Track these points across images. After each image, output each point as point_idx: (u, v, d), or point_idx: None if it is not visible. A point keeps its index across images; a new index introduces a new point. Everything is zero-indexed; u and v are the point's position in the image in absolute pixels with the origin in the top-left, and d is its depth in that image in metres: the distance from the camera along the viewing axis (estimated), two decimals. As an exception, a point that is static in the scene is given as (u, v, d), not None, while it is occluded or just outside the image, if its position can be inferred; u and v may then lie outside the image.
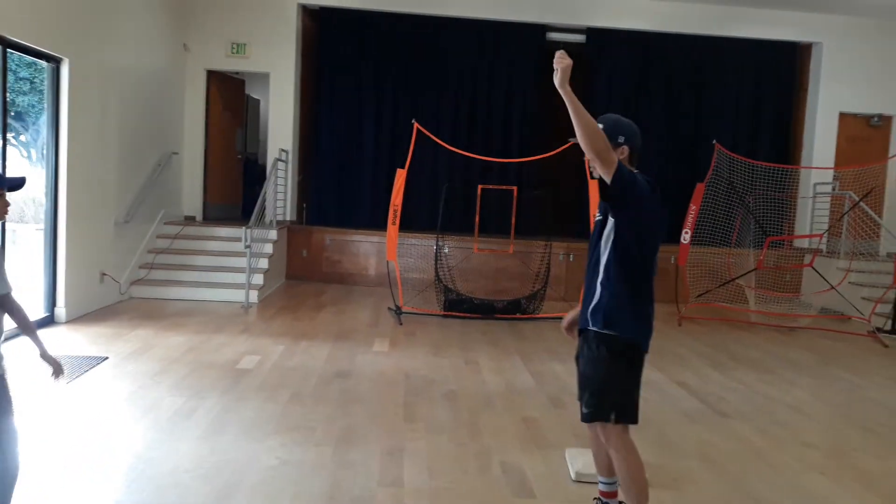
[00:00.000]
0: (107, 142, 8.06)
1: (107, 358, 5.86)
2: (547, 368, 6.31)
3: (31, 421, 4.35)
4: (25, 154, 10.50)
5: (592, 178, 3.07)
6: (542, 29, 11.51)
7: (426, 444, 4.28)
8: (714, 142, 9.18)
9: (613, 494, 3.28)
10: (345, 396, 5.17)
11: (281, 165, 10.56)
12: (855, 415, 5.41)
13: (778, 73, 11.86)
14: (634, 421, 3.03)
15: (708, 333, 8.46)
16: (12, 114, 9.81)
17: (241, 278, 8.76)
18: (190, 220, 10.67)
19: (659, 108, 11.76)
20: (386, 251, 8.58)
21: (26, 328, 2.98)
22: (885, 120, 11.67)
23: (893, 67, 11.45)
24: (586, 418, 3.07)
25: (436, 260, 8.91)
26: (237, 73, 11.59)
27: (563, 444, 4.29)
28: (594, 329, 3.00)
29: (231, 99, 11.69)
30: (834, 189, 10.83)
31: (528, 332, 7.91)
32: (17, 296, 2.93)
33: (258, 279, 8.99)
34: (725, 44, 11.57)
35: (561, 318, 3.54)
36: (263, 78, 11.40)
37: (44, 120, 7.18)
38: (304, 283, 10.71)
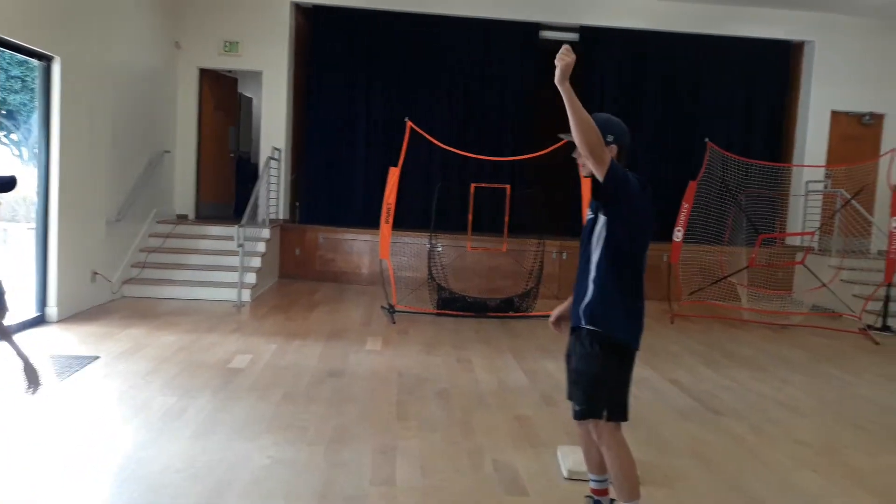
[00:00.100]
0: (98, 140, 8.02)
1: (98, 357, 5.83)
2: (539, 366, 6.31)
3: (22, 421, 4.33)
4: (17, 153, 10.47)
5: (585, 177, 3.07)
6: (536, 27, 11.51)
7: (419, 443, 4.27)
8: (706, 140, 9.20)
9: (605, 492, 3.28)
10: (337, 395, 5.16)
11: (274, 164, 10.53)
12: (846, 412, 5.43)
13: (770, 71, 11.89)
14: (626, 418, 3.04)
15: (700, 331, 8.48)
16: (3, 112, 9.77)
17: (233, 277, 8.74)
18: (182, 218, 10.63)
19: (651, 107, 11.78)
20: (379, 250, 8.57)
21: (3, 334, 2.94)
22: (876, 118, 11.71)
23: (885, 66, 11.49)
24: (579, 416, 3.07)
25: (429, 258, 8.91)
26: (230, 71, 11.56)
27: (555, 442, 4.29)
28: (587, 327, 3.00)
29: (224, 97, 11.65)
30: (826, 187, 10.87)
31: (520, 331, 7.91)
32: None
33: (251, 278, 8.97)
34: (718, 42, 11.59)
35: (552, 316, 3.53)
36: (256, 76, 11.37)
37: (35, 118, 7.15)
38: (296, 281, 10.69)
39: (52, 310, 7.15)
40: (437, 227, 8.95)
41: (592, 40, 11.42)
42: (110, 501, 3.37)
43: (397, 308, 8.32)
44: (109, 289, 8.32)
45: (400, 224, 9.09)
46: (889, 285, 8.77)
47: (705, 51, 11.69)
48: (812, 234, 10.14)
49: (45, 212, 7.11)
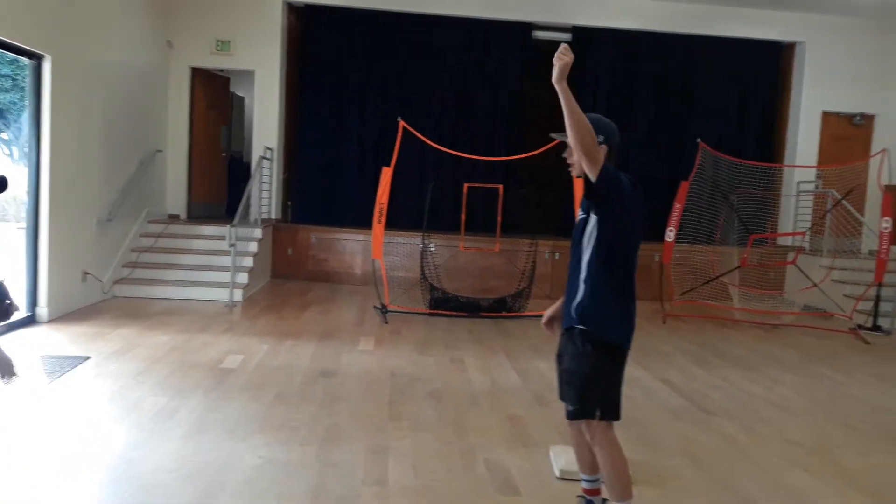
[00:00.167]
0: (90, 139, 7.99)
1: (89, 358, 5.80)
2: (532, 366, 6.31)
3: (12, 422, 4.30)
4: (7, 152, 10.41)
5: (577, 177, 3.07)
6: (528, 27, 11.52)
7: (411, 443, 4.27)
8: (698, 140, 9.23)
9: (597, 492, 3.29)
10: (329, 395, 5.15)
11: (266, 163, 10.50)
12: (837, 412, 5.45)
13: (762, 72, 11.93)
14: (618, 417, 3.05)
15: (692, 331, 8.50)
16: (-7, 111, 9.71)
17: (225, 277, 8.71)
18: (174, 218, 10.60)
19: (644, 107, 11.81)
20: (372, 249, 8.56)
21: None
22: (867, 119, 11.77)
23: (875, 67, 11.55)
24: (572, 415, 3.07)
25: (422, 258, 8.90)
26: (222, 70, 11.52)
27: (547, 442, 4.29)
28: (579, 327, 3.00)
29: (216, 96, 11.61)
30: (817, 187, 10.91)
31: (513, 331, 7.92)
32: None
33: (243, 278, 8.94)
34: (710, 43, 11.62)
35: (545, 317, 3.53)
36: (248, 75, 11.33)
37: (26, 117, 7.11)
38: (289, 281, 10.66)
39: (42, 310, 7.11)
40: (429, 226, 8.94)
41: (585, 40, 11.42)
42: (102, 502, 3.36)
43: (390, 308, 8.32)
44: (100, 289, 8.29)
45: (393, 224, 9.08)
46: (879, 285, 8.81)
47: (697, 51, 11.72)
48: (803, 234, 10.18)
49: (35, 211, 7.08)
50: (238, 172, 12.27)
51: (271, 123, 11.04)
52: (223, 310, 8.23)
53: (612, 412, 3.03)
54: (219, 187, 11.88)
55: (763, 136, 12.02)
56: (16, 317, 6.87)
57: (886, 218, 8.52)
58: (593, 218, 2.97)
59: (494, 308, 8.75)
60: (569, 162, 3.08)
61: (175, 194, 10.82)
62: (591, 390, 3.01)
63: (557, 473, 3.86)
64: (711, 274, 9.43)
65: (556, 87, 2.69)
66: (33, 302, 7.09)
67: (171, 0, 10.41)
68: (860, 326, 8.75)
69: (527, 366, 6.34)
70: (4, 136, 9.04)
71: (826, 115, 11.69)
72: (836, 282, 9.72)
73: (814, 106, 11.66)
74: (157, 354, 6.03)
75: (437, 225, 9.45)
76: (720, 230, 9.49)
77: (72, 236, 7.63)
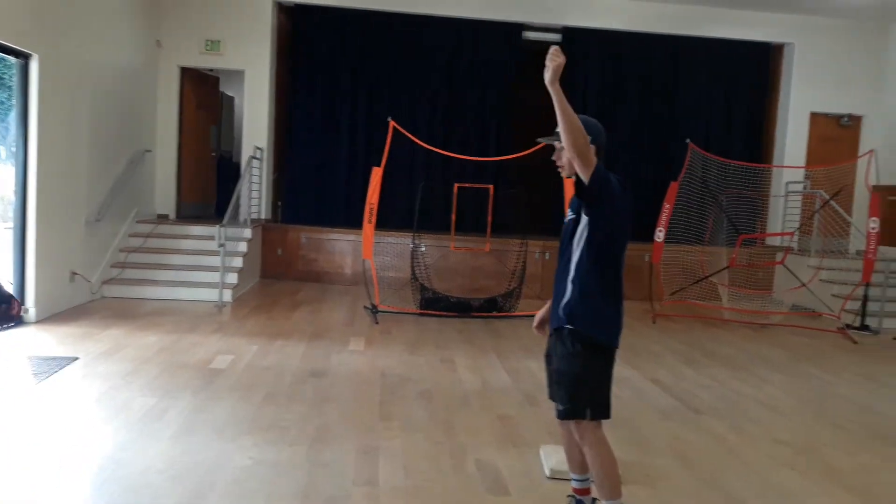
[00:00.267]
0: (78, 139, 7.94)
1: (77, 358, 5.77)
2: (523, 366, 6.32)
3: (-1, 422, 4.28)
4: (-6, 151, 10.30)
5: (567, 177, 3.08)
6: (519, 28, 11.53)
7: (401, 443, 4.27)
8: (688, 141, 9.27)
9: (587, 491, 3.30)
10: (319, 396, 5.14)
11: (256, 163, 10.47)
12: (825, 411, 5.49)
13: (750, 73, 11.99)
14: (608, 416, 3.06)
15: (682, 331, 8.53)
16: (-20, 110, 9.62)
17: (214, 277, 8.68)
18: (163, 218, 10.55)
19: (633, 107, 11.84)
20: (362, 250, 8.55)
21: None
22: (854, 120, 11.85)
23: (863, 68, 11.63)
24: (562, 415, 3.08)
25: (412, 258, 8.90)
26: (211, 70, 11.48)
27: (538, 442, 4.30)
28: (568, 327, 3.01)
29: (205, 96, 11.57)
30: (805, 188, 10.97)
31: (504, 330, 7.92)
32: None
33: (232, 278, 8.91)
34: (699, 44, 11.68)
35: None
36: (238, 75, 11.30)
37: (13, 116, 7.06)
38: (279, 281, 10.64)
39: (29, 310, 7.06)
40: (420, 227, 8.94)
41: (575, 41, 11.45)
42: (90, 503, 3.34)
43: (380, 308, 8.31)
44: (89, 289, 8.24)
45: (383, 224, 9.07)
46: (867, 285, 8.88)
47: (687, 52, 11.77)
48: (792, 234, 10.23)
49: (22, 211, 7.03)
50: (228, 172, 12.24)
51: (261, 123, 11.01)
52: (212, 310, 8.20)
53: (602, 411, 3.04)
54: (208, 187, 11.84)
55: (752, 137, 12.07)
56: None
57: (874, 218, 8.58)
58: (584, 219, 2.97)
59: (485, 308, 8.75)
60: (558, 165, 3.09)
61: (164, 194, 10.78)
62: (582, 390, 3.02)
63: (547, 473, 3.87)
64: (701, 274, 9.47)
65: (550, 88, 2.70)
66: (20, 302, 7.04)
67: (160, -1, 10.38)
68: (848, 326, 8.80)
69: (517, 366, 6.35)
70: (-9, 135, 8.98)
71: (814, 116, 11.76)
72: (825, 282, 9.78)
73: (802, 107, 11.73)
74: (145, 355, 6.00)
75: (428, 225, 9.45)
76: (709, 230, 9.53)
77: (60, 236, 7.59)
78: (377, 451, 4.12)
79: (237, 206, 9.24)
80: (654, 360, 6.90)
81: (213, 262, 8.93)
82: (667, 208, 8.98)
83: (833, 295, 9.56)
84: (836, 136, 11.86)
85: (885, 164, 10.41)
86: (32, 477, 3.56)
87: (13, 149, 7.05)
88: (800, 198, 11.01)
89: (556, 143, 3.05)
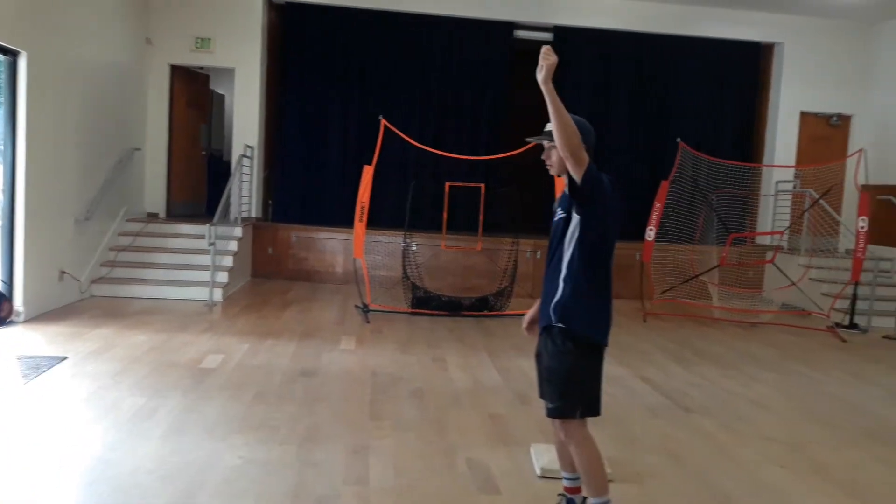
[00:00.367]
0: (67, 137, 7.89)
1: (66, 358, 5.74)
2: (514, 365, 6.33)
3: (-13, 422, 4.25)
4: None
5: (558, 176, 3.09)
6: (510, 27, 11.54)
7: (392, 442, 4.26)
8: (678, 140, 9.29)
9: (577, 490, 3.30)
10: (310, 395, 5.13)
11: (246, 161, 10.44)
12: (814, 409, 5.52)
13: (741, 72, 12.02)
14: (598, 413, 3.07)
15: (672, 329, 8.56)
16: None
17: (205, 276, 8.65)
18: (153, 217, 10.50)
19: (624, 107, 11.86)
20: (353, 248, 8.54)
21: None
22: (843, 119, 11.91)
23: (852, 68, 11.69)
24: (553, 413, 3.09)
25: (403, 257, 8.89)
26: (201, 68, 11.43)
27: (528, 441, 4.30)
28: (559, 325, 3.01)
29: (195, 94, 11.52)
30: (795, 187, 11.03)
31: (495, 329, 7.93)
32: None
33: (222, 277, 8.88)
34: (690, 43, 11.70)
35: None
36: (228, 73, 11.25)
37: (1, 114, 7.01)
38: (269, 280, 10.61)
39: (18, 309, 7.01)
40: (411, 225, 8.94)
41: (566, 40, 11.46)
42: (79, 503, 3.33)
43: (371, 307, 8.30)
44: (78, 288, 8.20)
45: (374, 223, 9.06)
46: (856, 284, 8.93)
47: (677, 51, 11.79)
48: (781, 233, 10.28)
49: (11, 210, 6.98)
50: (218, 171, 12.18)
51: (252, 121, 10.97)
52: (203, 309, 8.17)
53: (592, 409, 3.05)
54: (198, 186, 11.79)
55: (742, 136, 12.11)
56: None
57: (863, 217, 8.63)
58: (575, 218, 2.98)
59: (476, 307, 8.76)
60: (547, 163, 3.09)
61: (154, 193, 10.72)
62: (573, 388, 3.03)
63: (538, 472, 3.87)
64: (691, 273, 9.50)
65: (543, 87, 2.70)
66: (11, 304, 6.98)
67: (149, -4, 10.33)
68: (837, 325, 8.85)
69: (508, 364, 6.35)
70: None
71: (804, 116, 11.81)
72: (814, 280, 9.83)
73: (792, 106, 11.78)
74: (135, 354, 5.97)
75: (419, 224, 9.44)
76: (700, 229, 9.56)
77: (48, 235, 7.54)
78: (368, 450, 4.11)
79: (227, 204, 9.21)
80: (645, 358, 6.92)
81: (203, 260, 8.89)
82: (657, 207, 9.01)
83: (822, 294, 9.61)
84: (825, 135, 11.92)
85: (874, 164, 10.49)
86: (21, 477, 3.54)
87: (1, 147, 7.00)
88: (790, 197, 11.06)
89: (545, 142, 3.06)
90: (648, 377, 6.18)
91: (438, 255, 9.98)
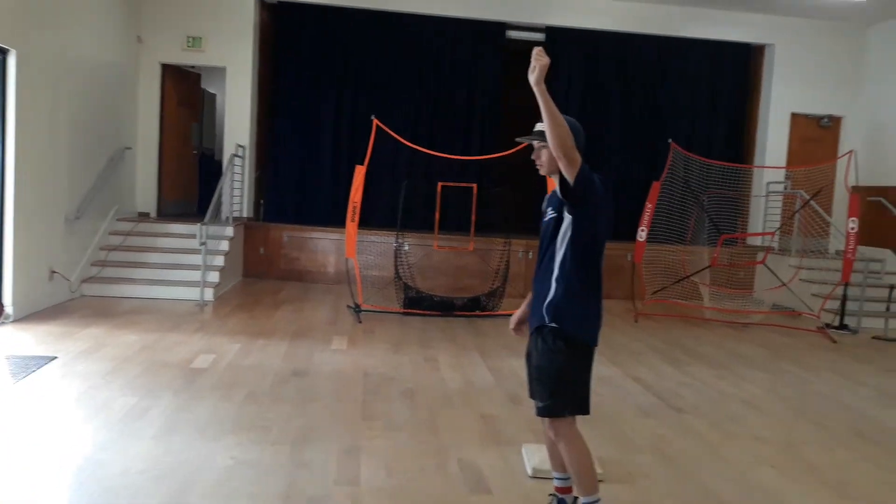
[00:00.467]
0: (57, 136, 7.85)
1: (56, 357, 5.71)
2: (505, 365, 6.33)
3: (-24, 423, 4.23)
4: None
5: (549, 175, 3.10)
6: (502, 27, 11.54)
7: (384, 443, 4.26)
8: (670, 141, 9.32)
9: (568, 490, 3.30)
10: (302, 395, 5.12)
11: (238, 161, 10.41)
12: (805, 409, 5.54)
13: (732, 73, 12.06)
14: (587, 412, 3.08)
15: (663, 329, 8.58)
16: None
17: (196, 276, 8.61)
18: (144, 216, 10.45)
19: (616, 107, 11.88)
20: (345, 248, 8.52)
21: None
22: (834, 121, 11.96)
23: (843, 69, 11.74)
24: (543, 412, 3.09)
25: (395, 257, 8.88)
26: (193, 67, 11.39)
27: (520, 441, 4.31)
28: (551, 325, 3.02)
29: (186, 93, 11.49)
30: (786, 188, 11.07)
31: (487, 329, 7.93)
32: None
33: (214, 277, 8.85)
34: (682, 44, 11.73)
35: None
36: (220, 72, 11.22)
37: (-10, 112, 6.97)
38: (261, 280, 10.58)
39: (8, 312, 6.96)
40: (403, 225, 8.92)
41: (558, 41, 11.48)
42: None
43: (363, 307, 8.29)
44: (68, 287, 8.15)
45: (366, 223, 9.05)
46: (846, 285, 8.97)
47: (669, 52, 11.82)
48: (772, 234, 10.32)
49: (0, 209, 6.93)
50: (209, 170, 12.14)
51: (243, 121, 10.94)
52: (194, 309, 8.14)
53: (581, 408, 3.07)
54: (190, 185, 11.75)
55: (733, 137, 12.15)
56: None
57: (853, 218, 8.68)
58: (567, 218, 2.98)
59: (468, 307, 8.76)
60: (538, 164, 3.10)
61: (145, 192, 10.68)
62: (563, 387, 3.04)
63: (530, 472, 3.87)
64: (682, 273, 9.53)
65: (535, 89, 2.71)
66: (2, 306, 6.94)
67: (141, -5, 10.29)
68: (827, 325, 8.89)
69: (500, 364, 6.36)
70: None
71: (795, 117, 11.85)
72: (805, 281, 9.87)
73: (783, 107, 11.81)
74: (126, 354, 5.94)
75: (411, 224, 9.43)
76: (691, 230, 9.59)
77: (38, 234, 7.50)
78: (359, 450, 4.11)
79: (219, 204, 9.18)
80: (636, 358, 6.94)
81: (194, 260, 8.85)
82: (649, 208, 9.04)
83: (813, 294, 9.65)
84: (816, 136, 11.97)
85: (865, 165, 10.55)
86: (10, 478, 3.52)
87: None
88: (780, 198, 11.11)
89: (535, 142, 3.07)
90: (640, 377, 6.19)
91: (430, 255, 9.97)
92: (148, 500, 3.34)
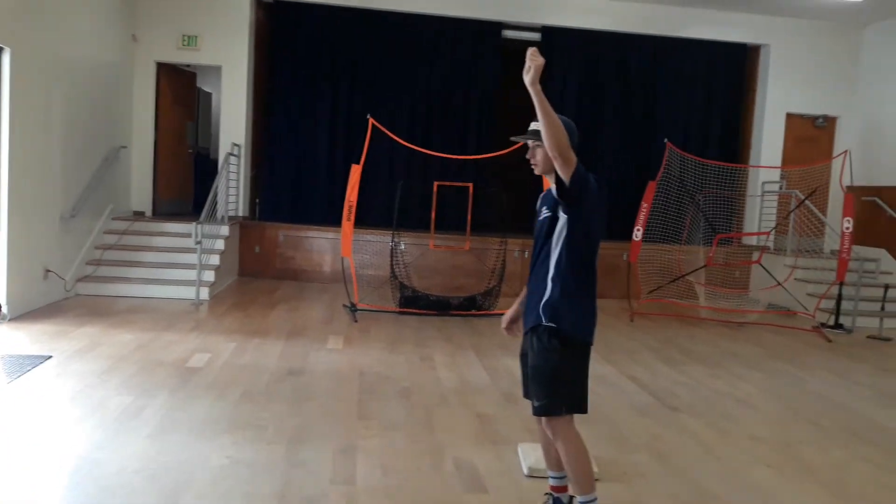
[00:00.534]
0: (51, 134, 7.83)
1: (50, 357, 5.69)
2: (501, 364, 6.33)
3: (-30, 422, 4.21)
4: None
5: (545, 174, 3.10)
6: (498, 26, 11.54)
7: (380, 442, 4.26)
8: (665, 140, 9.33)
9: (564, 489, 3.31)
10: (297, 394, 5.11)
11: (233, 160, 10.39)
12: (800, 408, 5.55)
13: (727, 73, 12.08)
14: (585, 411, 3.08)
15: (659, 329, 8.59)
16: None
17: (191, 275, 8.60)
18: (139, 215, 10.43)
19: (612, 107, 11.88)
20: (341, 247, 8.52)
21: None
22: (829, 121, 11.99)
23: (837, 70, 11.77)
24: (539, 411, 3.09)
25: (391, 256, 8.87)
26: (188, 65, 11.37)
27: (516, 440, 4.31)
28: (548, 324, 3.01)
29: (182, 92, 11.46)
30: (781, 188, 11.09)
31: (483, 329, 7.93)
32: None
33: (209, 276, 8.84)
34: (677, 44, 11.74)
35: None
36: (215, 71, 11.20)
37: (-16, 111, 6.95)
38: (256, 279, 10.57)
39: (2, 308, 6.94)
40: (399, 225, 8.92)
41: (554, 41, 11.48)
42: (64, 503, 3.30)
43: (359, 306, 8.28)
44: (63, 286, 8.13)
45: (362, 222, 9.04)
46: (841, 284, 8.99)
47: (665, 52, 11.83)
48: (768, 233, 10.34)
49: (-5, 207, 6.92)
50: (205, 169, 12.12)
51: (239, 120, 10.92)
52: (189, 308, 8.12)
53: (579, 406, 3.06)
54: (185, 184, 11.72)
55: (728, 137, 12.17)
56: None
57: (848, 218, 8.70)
58: (563, 217, 2.99)
59: (464, 306, 8.76)
60: (532, 163, 3.10)
61: (140, 191, 10.65)
62: (560, 386, 3.04)
63: (526, 471, 3.87)
64: (678, 273, 9.54)
65: (531, 89, 2.71)
66: (-3, 304, 6.94)
67: (136, -7, 10.26)
68: (822, 324, 8.92)
69: (496, 364, 6.36)
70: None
71: (790, 117, 11.87)
72: (800, 280, 9.89)
73: (778, 107, 11.84)
74: (121, 353, 5.93)
75: (407, 223, 9.43)
76: (687, 229, 9.61)
77: (33, 233, 7.48)
78: (355, 450, 4.10)
79: (214, 203, 9.16)
80: (632, 357, 6.95)
81: (189, 259, 8.84)
82: (644, 207, 9.05)
83: (808, 294, 9.67)
84: (811, 136, 12.00)
85: (859, 165, 10.56)
86: (5, 477, 3.50)
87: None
88: (776, 198, 11.14)
89: (530, 141, 3.07)
90: (635, 376, 6.20)
91: (426, 254, 9.97)
92: (143, 500, 3.34)
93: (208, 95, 13.21)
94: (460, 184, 9.34)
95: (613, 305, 9.50)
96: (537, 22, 11.45)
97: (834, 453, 4.55)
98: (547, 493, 3.37)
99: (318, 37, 11.23)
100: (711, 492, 3.81)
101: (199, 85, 12.30)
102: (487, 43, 11.54)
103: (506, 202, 9.33)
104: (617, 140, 11.80)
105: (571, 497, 3.26)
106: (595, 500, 3.06)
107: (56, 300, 7.97)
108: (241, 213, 10.96)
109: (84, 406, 4.59)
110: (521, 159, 3.20)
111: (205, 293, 8.55)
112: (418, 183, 9.96)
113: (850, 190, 9.11)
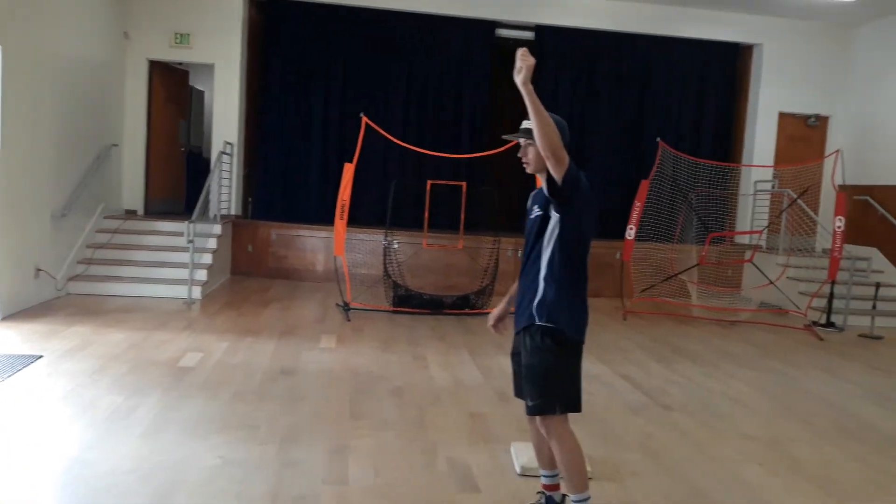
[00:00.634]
0: (42, 132, 7.78)
1: (41, 356, 5.66)
2: (494, 363, 6.33)
3: (-40, 422, 4.19)
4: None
5: (537, 173, 3.10)
6: (492, 25, 11.53)
7: (372, 441, 4.25)
8: (658, 139, 9.35)
9: (556, 487, 3.31)
10: (290, 394, 5.10)
11: (226, 158, 10.36)
12: (792, 407, 5.57)
13: (720, 73, 12.11)
14: (579, 409, 3.08)
15: (651, 327, 8.61)
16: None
17: (183, 274, 8.57)
18: (131, 214, 10.39)
19: (605, 106, 11.89)
20: (334, 246, 8.50)
21: None
22: (821, 120, 12.03)
23: (830, 69, 11.81)
24: (533, 411, 3.09)
25: (384, 255, 8.87)
26: (181, 63, 11.32)
27: (509, 439, 4.31)
28: (541, 324, 3.01)
29: (174, 90, 11.41)
30: (773, 187, 11.13)
31: (476, 328, 7.93)
32: None
33: (201, 275, 8.81)
34: (670, 43, 11.76)
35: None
36: (208, 69, 11.16)
37: (-26, 109, 6.90)
38: (249, 278, 10.54)
39: (-7, 308, 6.93)
40: (392, 223, 8.91)
41: (547, 39, 11.49)
42: (53, 504, 3.28)
43: (352, 305, 8.27)
44: (54, 286, 8.09)
45: (355, 221, 9.02)
46: (833, 283, 9.03)
47: (658, 51, 11.85)
48: (760, 232, 10.38)
49: (-15, 206, 6.88)
50: (197, 167, 12.07)
51: (231, 118, 10.88)
52: (181, 307, 8.10)
53: (573, 405, 3.07)
54: (177, 183, 11.68)
55: (721, 136, 12.20)
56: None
57: (840, 217, 8.74)
58: (555, 216, 2.99)
59: (457, 305, 8.76)
60: (524, 161, 3.10)
61: (132, 189, 10.60)
62: (554, 385, 3.04)
63: (518, 470, 3.87)
64: (671, 271, 9.56)
65: (522, 89, 2.70)
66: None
67: (128, -9, 10.21)
68: (814, 323, 8.95)
69: (489, 363, 6.36)
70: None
71: (782, 116, 11.90)
72: (792, 279, 9.92)
73: (770, 107, 11.86)
74: (113, 352, 5.90)
75: (401, 222, 9.42)
76: (679, 228, 9.63)
77: (24, 231, 7.44)
78: (347, 449, 4.10)
79: (207, 201, 9.13)
80: (624, 356, 6.96)
81: (181, 258, 8.80)
82: (637, 206, 9.06)
83: (800, 292, 9.71)
84: (803, 136, 12.03)
85: (851, 164, 10.62)
86: (-6, 478, 3.49)
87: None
88: (768, 196, 11.17)
89: (522, 140, 3.07)
90: (628, 375, 6.21)
91: (420, 253, 9.96)
92: (135, 500, 3.32)
93: (201, 93, 13.17)
94: (454, 182, 9.33)
95: (606, 304, 9.51)
96: (531, 21, 11.44)
97: (825, 451, 4.57)
98: (539, 492, 3.37)
99: (312, 35, 11.20)
100: (704, 490, 3.82)
101: (191, 83, 12.26)
102: (481, 41, 11.54)
103: (498, 201, 9.34)
104: (609, 139, 11.81)
105: (564, 495, 3.27)
106: (588, 498, 3.06)
107: (47, 299, 7.94)
108: (233, 212, 10.92)
109: (75, 406, 4.57)
110: (512, 158, 3.21)
111: (197, 292, 8.53)
112: (411, 181, 9.95)
113: (842, 189, 9.16)
